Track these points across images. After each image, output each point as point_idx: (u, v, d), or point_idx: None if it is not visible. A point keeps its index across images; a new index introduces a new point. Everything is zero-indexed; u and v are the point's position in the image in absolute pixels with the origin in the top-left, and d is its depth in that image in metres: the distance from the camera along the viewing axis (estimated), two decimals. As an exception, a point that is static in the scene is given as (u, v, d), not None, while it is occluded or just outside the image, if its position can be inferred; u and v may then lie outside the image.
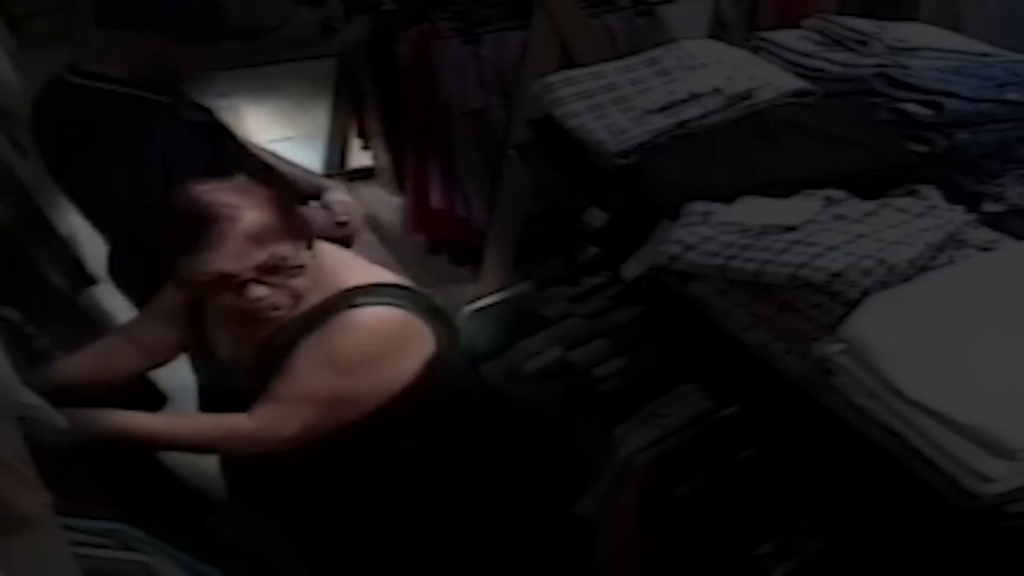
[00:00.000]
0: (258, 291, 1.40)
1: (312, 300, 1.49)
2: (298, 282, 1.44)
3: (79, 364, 1.62)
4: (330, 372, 1.45)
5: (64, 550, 0.96)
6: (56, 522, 0.93)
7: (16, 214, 2.10)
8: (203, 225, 1.36)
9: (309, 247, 1.48)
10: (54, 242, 2.28)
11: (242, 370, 1.56)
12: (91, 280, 2.36)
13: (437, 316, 1.56)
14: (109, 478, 1.45)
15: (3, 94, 2.47)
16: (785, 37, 1.84)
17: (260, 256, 1.37)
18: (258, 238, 1.37)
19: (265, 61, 5.15)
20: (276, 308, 1.45)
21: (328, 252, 1.55)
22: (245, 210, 1.37)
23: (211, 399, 1.65)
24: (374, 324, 1.46)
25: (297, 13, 5.24)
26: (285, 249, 1.40)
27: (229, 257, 1.36)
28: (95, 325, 2.02)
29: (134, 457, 1.58)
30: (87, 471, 1.37)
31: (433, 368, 1.53)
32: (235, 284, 1.39)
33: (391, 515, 1.64)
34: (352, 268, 1.54)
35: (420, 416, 1.55)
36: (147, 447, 1.55)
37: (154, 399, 1.96)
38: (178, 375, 1.78)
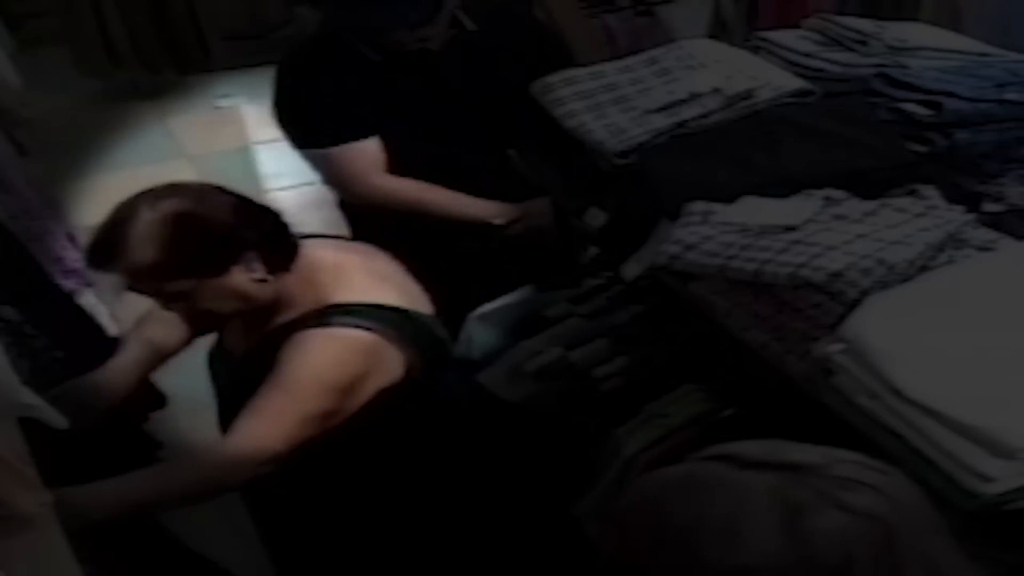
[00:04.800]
0: (174, 308, 1.46)
1: (298, 311, 1.49)
2: (206, 306, 1.44)
3: (153, 331, 1.65)
4: (296, 391, 1.42)
5: (64, 550, 0.96)
6: (56, 522, 0.93)
7: (16, 214, 2.10)
8: (100, 257, 1.41)
9: (278, 265, 1.46)
10: (54, 242, 2.28)
11: (234, 367, 1.58)
12: (91, 280, 2.36)
13: (417, 342, 1.53)
14: None
15: (3, 94, 2.47)
16: (785, 37, 1.84)
17: (146, 288, 1.41)
18: (144, 275, 1.38)
19: (265, 61, 5.15)
20: (197, 322, 1.51)
21: (335, 264, 1.54)
22: (135, 249, 1.36)
23: (217, 392, 1.66)
24: (336, 345, 1.45)
25: (297, 13, 5.25)
26: (173, 286, 1.40)
27: (128, 280, 1.40)
28: (95, 325, 2.02)
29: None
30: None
31: (393, 394, 1.51)
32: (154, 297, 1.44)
33: (383, 522, 1.64)
34: (349, 284, 1.51)
35: (384, 436, 1.54)
36: (137, 515, 1.49)
37: (154, 399, 1.95)
38: (178, 375, 1.78)
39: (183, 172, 4.19)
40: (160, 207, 1.39)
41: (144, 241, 1.36)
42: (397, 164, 2.01)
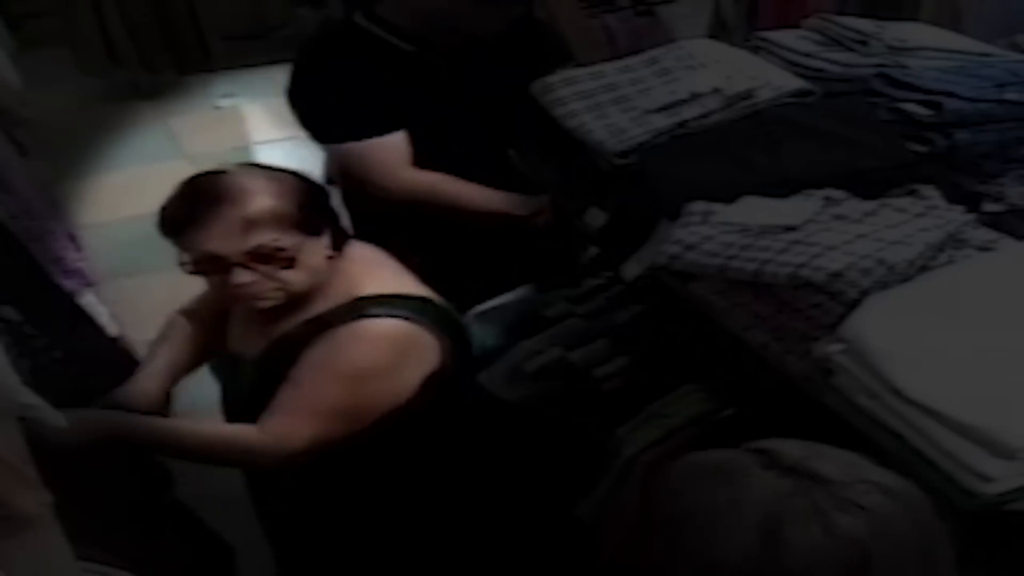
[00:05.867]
0: (242, 276, 1.41)
1: (326, 304, 1.49)
2: (289, 275, 1.43)
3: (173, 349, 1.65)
4: (332, 384, 1.44)
5: (64, 550, 0.95)
6: (56, 522, 0.93)
7: (16, 214, 2.10)
8: (205, 205, 1.39)
9: (336, 247, 1.49)
10: (54, 242, 2.28)
11: (251, 368, 1.57)
12: (91, 280, 2.36)
13: (448, 330, 1.55)
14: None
15: (3, 94, 2.47)
16: (785, 37, 1.84)
17: (253, 242, 1.38)
18: (257, 224, 1.38)
19: (265, 61, 5.17)
20: (259, 297, 1.45)
21: (360, 258, 1.55)
22: (255, 195, 1.39)
23: (229, 399, 1.66)
24: (376, 336, 1.46)
25: (297, 13, 5.25)
26: (285, 240, 1.40)
27: (220, 239, 1.38)
28: (95, 325, 2.02)
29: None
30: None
31: (435, 382, 1.53)
32: (223, 266, 1.41)
33: (386, 520, 1.64)
34: (377, 276, 1.53)
35: (419, 427, 1.54)
36: (156, 452, 1.55)
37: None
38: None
39: (183, 172, 4.16)
40: (261, 168, 1.45)
41: (263, 191, 1.40)
42: (417, 158, 2.01)
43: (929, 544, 0.74)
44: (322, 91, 2.00)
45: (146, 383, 1.60)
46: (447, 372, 1.54)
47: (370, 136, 1.98)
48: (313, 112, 2.03)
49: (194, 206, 1.40)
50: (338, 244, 1.51)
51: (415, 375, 1.50)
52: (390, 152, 1.99)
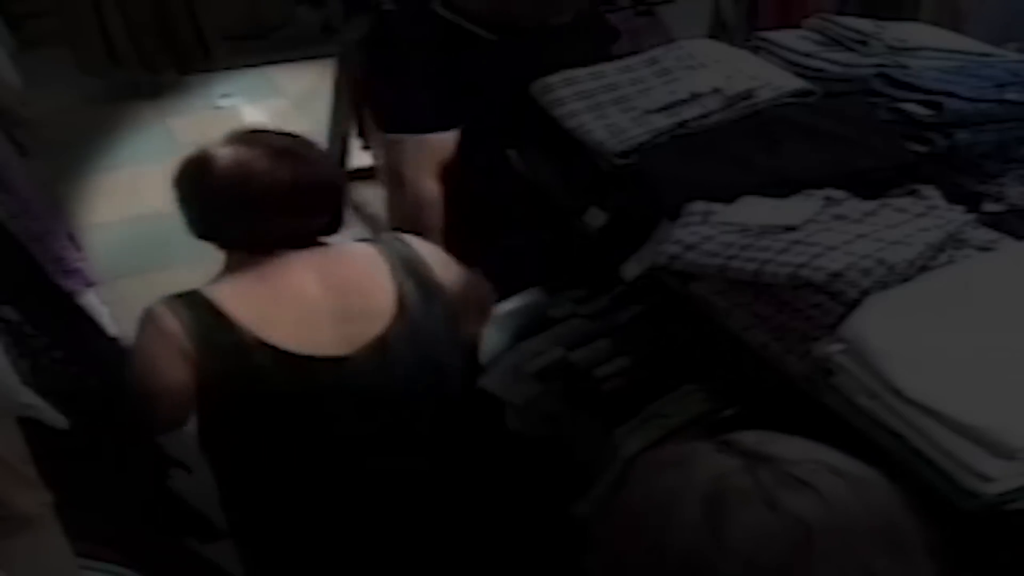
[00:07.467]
0: None
1: None
2: None
3: None
4: None
5: (64, 550, 0.96)
6: (56, 522, 0.93)
7: (16, 214, 2.10)
8: None
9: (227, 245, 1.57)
10: (54, 242, 2.28)
11: None
12: (91, 280, 2.36)
13: (218, 350, 1.49)
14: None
15: (3, 94, 2.47)
16: (785, 37, 1.84)
17: None
18: None
19: (265, 61, 5.17)
20: None
21: (266, 262, 1.54)
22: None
23: None
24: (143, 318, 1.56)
25: (297, 13, 5.25)
26: None
27: None
28: (95, 325, 2.02)
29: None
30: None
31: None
32: None
33: (384, 518, 1.64)
34: (234, 286, 1.55)
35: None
36: None
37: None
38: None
39: (183, 172, 4.20)
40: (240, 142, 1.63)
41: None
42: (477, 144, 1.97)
43: (890, 528, 0.72)
44: (408, 79, 1.96)
45: None
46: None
47: (423, 131, 1.94)
48: (388, 99, 2.02)
49: None
50: (230, 241, 1.58)
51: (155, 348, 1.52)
52: (422, 152, 1.96)
